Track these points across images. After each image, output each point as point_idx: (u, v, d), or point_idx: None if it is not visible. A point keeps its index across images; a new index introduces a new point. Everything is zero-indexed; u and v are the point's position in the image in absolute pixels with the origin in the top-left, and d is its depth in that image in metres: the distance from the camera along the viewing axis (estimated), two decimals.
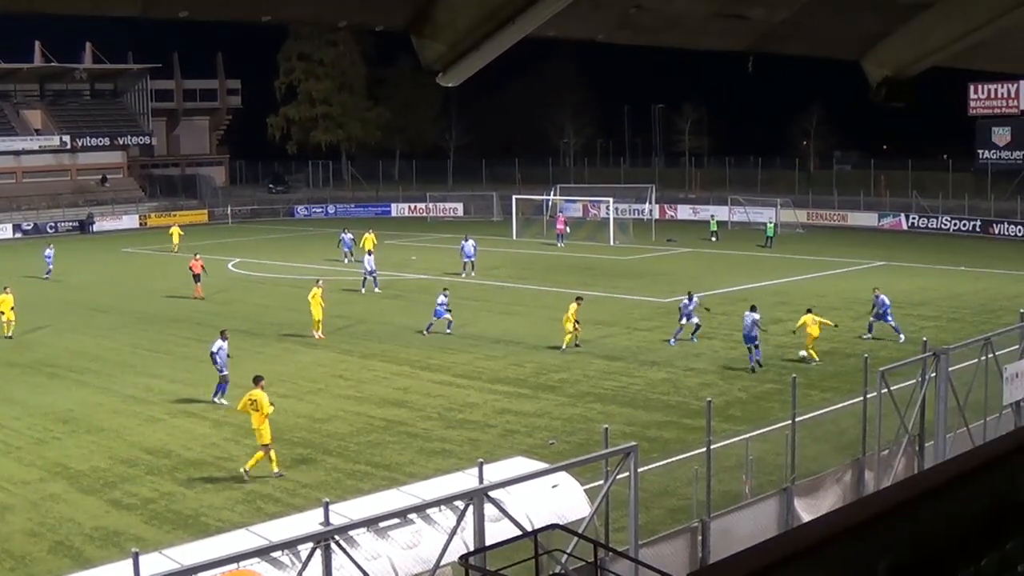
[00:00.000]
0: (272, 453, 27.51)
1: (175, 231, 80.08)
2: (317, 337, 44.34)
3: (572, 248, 76.55)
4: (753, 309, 39.10)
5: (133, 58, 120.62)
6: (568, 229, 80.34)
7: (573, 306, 41.65)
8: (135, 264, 73.18)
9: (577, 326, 41.61)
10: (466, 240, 63.87)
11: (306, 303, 45.02)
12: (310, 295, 45.05)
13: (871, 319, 43.25)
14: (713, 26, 10.60)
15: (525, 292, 56.02)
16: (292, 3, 8.75)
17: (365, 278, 57.00)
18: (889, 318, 42.83)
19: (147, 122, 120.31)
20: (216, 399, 34.40)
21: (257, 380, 28.34)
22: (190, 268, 56.43)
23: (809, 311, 40.24)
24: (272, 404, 27.80)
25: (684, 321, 42.77)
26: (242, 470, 27.33)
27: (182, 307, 53.17)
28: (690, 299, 43.22)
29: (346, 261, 68.28)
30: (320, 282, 46.35)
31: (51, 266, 64.94)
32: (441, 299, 44.84)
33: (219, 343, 34.81)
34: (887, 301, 42.86)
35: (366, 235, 66.04)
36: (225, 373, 34.45)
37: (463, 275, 61.79)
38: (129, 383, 37.99)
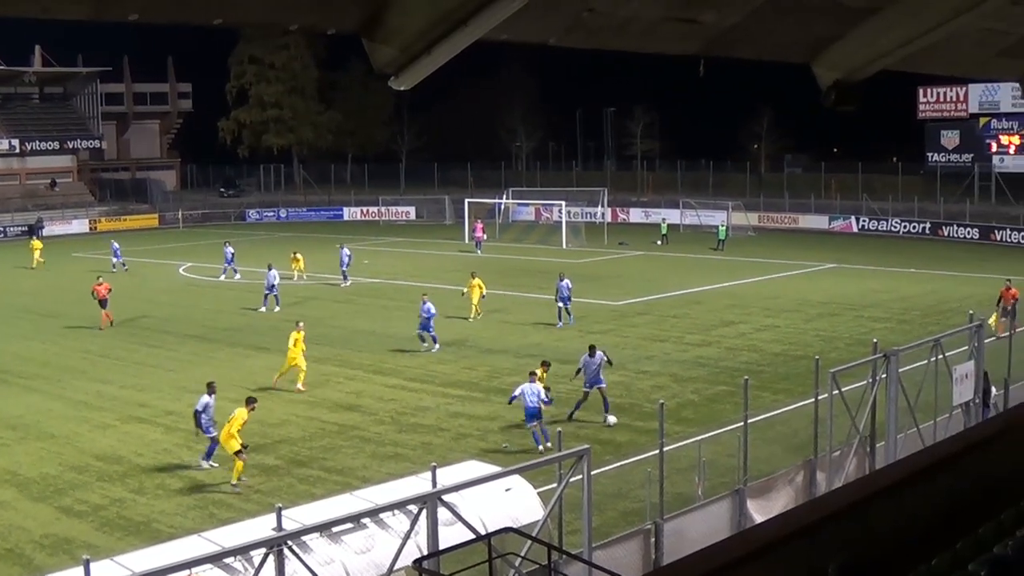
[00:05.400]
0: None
1: (36, 244, 75.67)
2: (300, 388, 36.74)
3: (524, 251, 76.62)
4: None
5: (83, 61, 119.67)
6: (485, 236, 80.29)
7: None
8: (85, 269, 72.55)
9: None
10: (342, 247, 62.57)
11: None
12: (291, 341, 37.42)
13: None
14: (665, 30, 10.64)
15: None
16: (244, 6, 8.70)
17: (266, 295, 53.03)
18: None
19: (97, 126, 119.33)
20: (205, 462, 28.69)
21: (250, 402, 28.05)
22: (93, 292, 49.91)
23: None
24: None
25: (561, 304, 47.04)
26: None
27: (132, 312, 52.68)
28: (561, 279, 47.72)
29: (222, 278, 64.95)
30: (300, 325, 38.18)
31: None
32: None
33: (205, 399, 29.05)
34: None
35: (294, 256, 64.30)
36: (213, 434, 28.56)
37: (344, 284, 60.93)
38: (79, 389, 37.69)
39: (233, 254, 65.78)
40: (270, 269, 53.52)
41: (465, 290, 49.70)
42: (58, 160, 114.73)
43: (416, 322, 42.84)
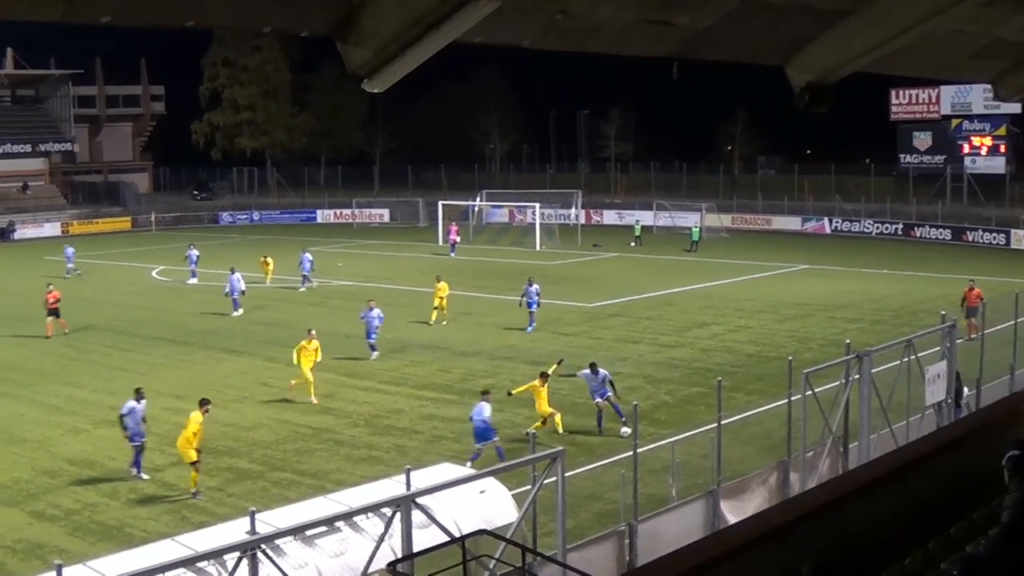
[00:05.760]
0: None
1: None
2: (313, 401, 35.32)
3: (498, 254, 76.60)
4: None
5: (55, 63, 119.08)
6: (460, 238, 79.84)
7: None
8: (56, 272, 72.18)
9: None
10: (304, 252, 62.09)
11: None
12: (297, 347, 36.08)
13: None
14: (639, 32, 10.65)
15: (451, 298, 55.88)
16: (216, 8, 8.67)
17: (234, 299, 52.47)
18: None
19: (69, 128, 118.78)
20: (134, 471, 28.22)
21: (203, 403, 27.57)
22: (45, 300, 48.03)
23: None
24: None
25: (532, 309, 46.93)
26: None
27: (104, 316, 52.49)
28: (530, 284, 47.47)
29: (191, 281, 63.77)
30: (312, 332, 36.64)
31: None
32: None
33: (130, 404, 28.40)
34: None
35: (264, 260, 63.24)
36: (138, 443, 28.16)
37: (303, 288, 60.46)
38: (52, 393, 37.51)
39: (198, 256, 64.95)
40: (232, 273, 52.81)
41: (440, 307, 49.24)
42: (30, 163, 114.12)
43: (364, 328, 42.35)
